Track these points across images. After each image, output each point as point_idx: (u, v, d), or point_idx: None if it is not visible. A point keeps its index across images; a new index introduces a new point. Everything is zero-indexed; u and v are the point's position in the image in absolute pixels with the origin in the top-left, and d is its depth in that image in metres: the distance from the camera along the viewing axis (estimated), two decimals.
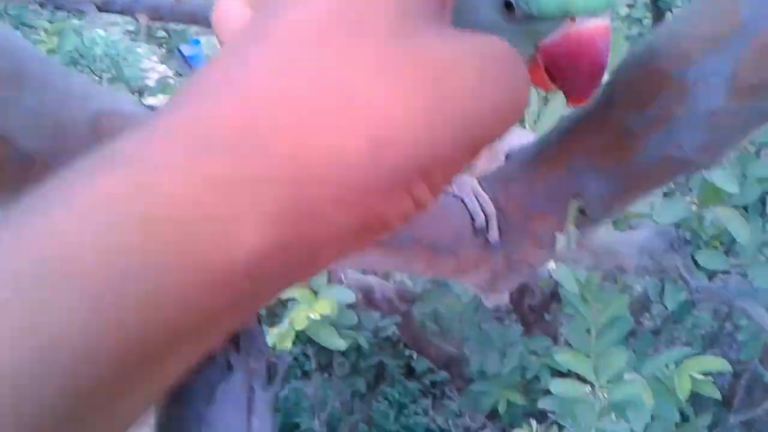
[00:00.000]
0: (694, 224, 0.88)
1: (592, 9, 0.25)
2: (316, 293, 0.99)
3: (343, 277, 1.06)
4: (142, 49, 2.28)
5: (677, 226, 0.83)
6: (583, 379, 0.92)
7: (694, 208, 0.78)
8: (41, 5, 1.68)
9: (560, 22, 0.25)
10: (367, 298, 1.26)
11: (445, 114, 0.17)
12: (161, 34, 2.27)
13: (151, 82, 2.08)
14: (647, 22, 1.90)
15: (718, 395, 0.87)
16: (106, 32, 2.15)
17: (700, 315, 1.71)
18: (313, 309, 0.96)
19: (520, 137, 0.48)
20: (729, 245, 0.93)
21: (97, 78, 1.89)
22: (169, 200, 0.15)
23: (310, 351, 1.79)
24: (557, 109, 0.74)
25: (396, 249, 0.40)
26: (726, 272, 1.31)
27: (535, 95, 0.76)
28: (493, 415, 1.45)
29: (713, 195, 0.74)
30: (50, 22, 1.81)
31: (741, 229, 0.74)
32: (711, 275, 1.12)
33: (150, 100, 1.86)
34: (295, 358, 2.20)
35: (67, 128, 0.28)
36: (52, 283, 0.14)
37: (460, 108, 0.18)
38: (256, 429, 0.31)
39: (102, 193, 0.15)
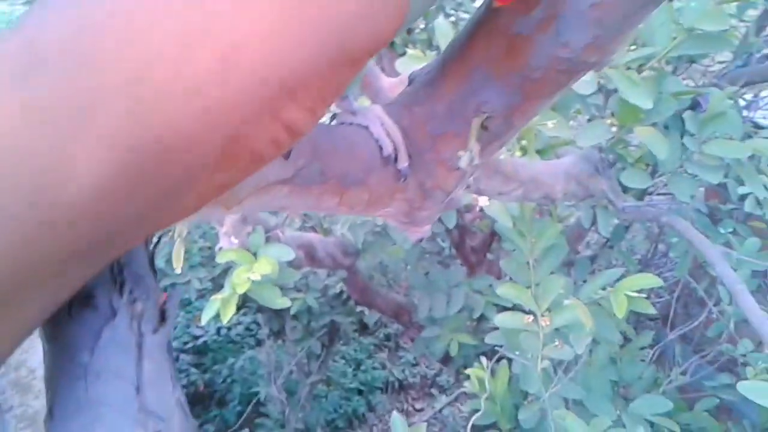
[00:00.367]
0: (618, 147, 0.89)
1: None
2: (255, 255, 0.97)
3: (281, 235, 1.05)
4: None
5: (600, 150, 0.84)
6: (525, 311, 0.94)
7: (614, 129, 0.79)
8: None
9: None
10: (310, 256, 1.24)
11: (303, 22, 0.16)
12: None
13: None
14: None
15: (653, 310, 0.90)
16: None
17: (634, 239, 1.77)
18: (252, 270, 0.94)
19: None
20: (655, 166, 0.95)
21: None
22: None
23: (261, 319, 1.78)
24: None
25: (304, 185, 0.39)
26: (655, 193, 1.36)
27: None
28: (447, 359, 1.48)
29: (630, 114, 0.74)
30: None
31: (660, 146, 0.75)
32: (641, 197, 1.15)
33: None
34: (247, 328, 2.19)
35: None
36: None
37: (320, 15, 0.16)
38: (148, 371, 0.30)
39: None
